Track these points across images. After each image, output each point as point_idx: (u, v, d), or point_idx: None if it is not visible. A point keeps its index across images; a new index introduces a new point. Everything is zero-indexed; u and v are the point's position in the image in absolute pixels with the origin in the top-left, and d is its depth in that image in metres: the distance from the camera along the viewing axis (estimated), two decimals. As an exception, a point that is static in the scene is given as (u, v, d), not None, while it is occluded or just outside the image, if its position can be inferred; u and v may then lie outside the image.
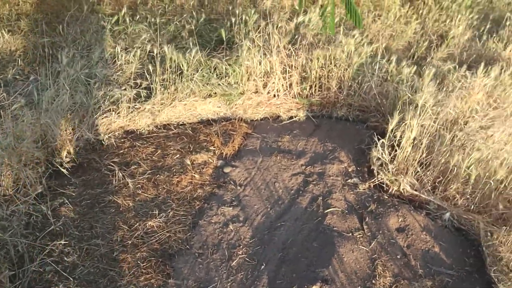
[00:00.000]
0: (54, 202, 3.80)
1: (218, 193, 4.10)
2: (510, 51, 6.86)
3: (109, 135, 4.67)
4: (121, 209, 3.84)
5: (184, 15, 7.15)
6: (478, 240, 3.71)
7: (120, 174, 4.11)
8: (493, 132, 4.36)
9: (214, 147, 4.67)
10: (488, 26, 7.46)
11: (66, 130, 4.38)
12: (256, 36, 5.60)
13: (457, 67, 5.76)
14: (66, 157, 4.26)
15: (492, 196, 3.93)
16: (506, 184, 3.93)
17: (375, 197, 4.14)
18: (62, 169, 4.13)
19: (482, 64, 5.35)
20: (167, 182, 4.16)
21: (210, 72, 5.39)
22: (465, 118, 4.69)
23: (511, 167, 3.98)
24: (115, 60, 5.57)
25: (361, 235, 3.71)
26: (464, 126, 4.50)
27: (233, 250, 3.52)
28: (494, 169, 3.94)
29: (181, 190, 4.09)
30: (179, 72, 5.27)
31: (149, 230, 3.66)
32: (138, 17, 6.96)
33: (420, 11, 8.08)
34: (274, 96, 5.58)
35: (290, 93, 5.61)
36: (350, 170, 4.49)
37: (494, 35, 7.35)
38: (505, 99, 5.12)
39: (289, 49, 5.63)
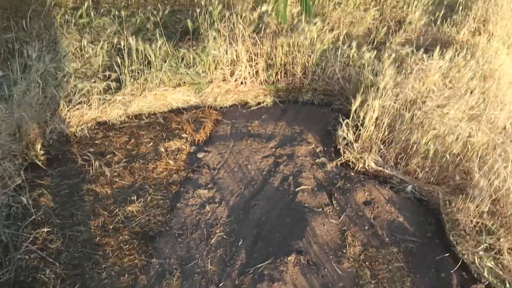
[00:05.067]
0: (33, 193, 3.86)
1: (193, 177, 4.25)
2: (463, 34, 7.25)
3: (82, 126, 4.75)
4: (99, 196, 3.95)
5: (148, 7, 7.20)
6: (438, 209, 4.01)
7: (97, 163, 4.21)
8: (449, 110, 4.67)
9: (186, 134, 4.81)
10: (442, 12, 7.82)
11: (39, 123, 4.43)
12: (221, 26, 5.74)
13: (414, 50, 6.06)
14: (40, 149, 4.31)
15: (449, 168, 4.24)
16: (462, 157, 4.23)
17: (342, 175, 4.38)
18: (38, 162, 4.20)
19: (438, 47, 5.67)
20: (142, 169, 4.28)
21: (178, 62, 5.51)
22: (423, 98, 4.98)
23: (465, 141, 4.29)
24: (82, 54, 5.62)
25: (331, 209, 3.94)
26: (422, 106, 4.78)
27: (211, 229, 3.69)
28: (450, 144, 4.24)
29: (157, 176, 4.22)
30: (147, 62, 5.36)
31: (129, 215, 3.79)
32: (101, 10, 6.97)
33: (378, -1, 8.38)
34: (242, 83, 5.75)
35: (256, 80, 5.80)
36: (317, 150, 4.72)
37: (448, 19, 7.72)
38: (459, 79, 5.45)
39: (254, 38, 5.80)
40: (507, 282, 3.33)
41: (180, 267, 3.36)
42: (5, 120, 4.10)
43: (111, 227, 3.64)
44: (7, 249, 3.33)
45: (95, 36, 6.11)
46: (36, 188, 3.95)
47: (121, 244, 3.49)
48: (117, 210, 3.80)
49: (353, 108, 4.56)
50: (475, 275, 3.43)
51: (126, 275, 3.27)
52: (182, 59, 5.58)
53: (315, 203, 3.99)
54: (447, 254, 3.60)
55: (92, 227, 3.63)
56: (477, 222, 3.73)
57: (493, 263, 3.43)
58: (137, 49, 5.28)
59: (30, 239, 3.42)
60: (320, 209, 3.92)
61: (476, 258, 3.47)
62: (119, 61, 5.24)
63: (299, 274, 3.30)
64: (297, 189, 4.12)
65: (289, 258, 3.36)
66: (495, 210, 3.81)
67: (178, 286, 3.21)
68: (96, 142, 4.61)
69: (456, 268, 3.46)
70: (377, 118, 4.54)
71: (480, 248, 3.54)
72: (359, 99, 4.53)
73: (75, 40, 5.87)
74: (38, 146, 4.28)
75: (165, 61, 5.43)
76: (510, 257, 3.49)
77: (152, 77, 5.31)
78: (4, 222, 3.52)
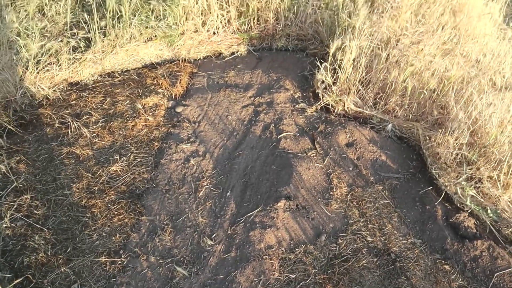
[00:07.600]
0: (11, 160, 3.77)
1: (174, 132, 4.20)
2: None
3: (54, 88, 4.58)
4: (81, 158, 3.88)
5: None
6: (418, 145, 4.09)
7: (74, 124, 4.11)
8: (423, 45, 4.67)
9: (162, 89, 4.71)
10: None
11: (9, 88, 4.26)
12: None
13: (384, -12, 5.97)
14: (12, 115, 4.18)
15: (427, 104, 4.30)
16: (438, 92, 4.29)
17: (323, 118, 4.40)
18: (12, 128, 4.07)
19: (407, -17, 5.59)
20: (122, 127, 4.20)
21: (149, 15, 5.31)
22: (397, 36, 4.96)
23: (441, 76, 4.33)
24: (45, 12, 5.35)
25: (315, 153, 3.98)
26: (397, 44, 4.78)
27: (198, 182, 3.69)
28: (426, 80, 4.28)
29: (137, 134, 4.15)
30: (116, 17, 5.14)
31: (113, 175, 3.74)
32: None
33: None
34: (214, 33, 5.61)
35: (229, 29, 5.66)
36: (296, 96, 4.70)
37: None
38: (431, 15, 5.43)
39: (223, -15, 5.61)
40: (488, 209, 3.46)
41: (171, 222, 3.37)
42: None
43: (96, 189, 3.60)
44: (-9, 218, 3.28)
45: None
46: (14, 154, 3.85)
47: (109, 205, 3.46)
48: (100, 171, 3.75)
49: (331, 51, 4.52)
50: (458, 205, 3.55)
51: (118, 235, 3.27)
52: (152, 12, 5.38)
53: (298, 149, 4.01)
54: (431, 188, 3.71)
55: (76, 190, 3.58)
56: (457, 154, 3.82)
57: (474, 192, 3.55)
58: (104, 2, 5.04)
59: (14, 206, 3.36)
60: (304, 154, 3.95)
61: (458, 188, 3.59)
62: (86, 17, 5.02)
63: (290, 218, 3.35)
64: (279, 136, 4.12)
65: (279, 204, 3.41)
66: (473, 141, 3.91)
67: (171, 241, 3.23)
68: (71, 103, 4.47)
69: (440, 200, 3.57)
70: (354, 59, 4.52)
71: (461, 178, 3.65)
72: (337, 41, 4.49)
73: (35, -1, 5.58)
74: (11, 112, 4.14)
75: (135, 15, 5.22)
76: (490, 184, 3.62)
77: (123, 33, 5.11)
78: (-16, 192, 3.44)
